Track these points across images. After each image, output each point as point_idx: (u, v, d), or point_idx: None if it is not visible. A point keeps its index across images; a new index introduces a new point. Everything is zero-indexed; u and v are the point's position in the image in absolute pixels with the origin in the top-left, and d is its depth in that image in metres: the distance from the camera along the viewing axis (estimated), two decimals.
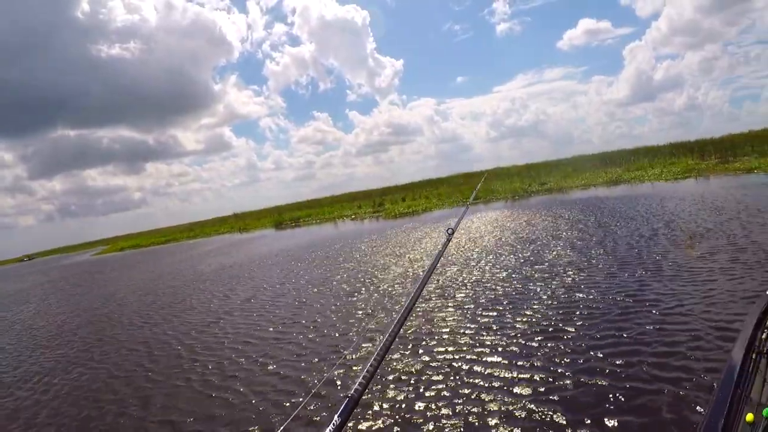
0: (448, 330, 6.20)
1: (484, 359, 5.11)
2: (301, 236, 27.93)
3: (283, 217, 46.83)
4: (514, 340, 5.50)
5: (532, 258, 9.76)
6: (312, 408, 4.58)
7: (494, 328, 6.01)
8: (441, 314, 6.94)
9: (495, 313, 6.57)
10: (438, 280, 8.97)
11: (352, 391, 0.86)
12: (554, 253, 9.91)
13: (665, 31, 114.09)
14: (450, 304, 7.34)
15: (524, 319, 6.14)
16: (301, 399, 4.90)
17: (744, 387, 1.89)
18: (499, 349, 5.33)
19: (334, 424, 0.77)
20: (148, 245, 55.72)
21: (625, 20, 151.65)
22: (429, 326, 6.50)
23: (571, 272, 8.12)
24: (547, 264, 9.01)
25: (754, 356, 2.10)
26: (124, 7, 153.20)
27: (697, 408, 3.54)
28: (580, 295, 6.76)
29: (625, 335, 5.12)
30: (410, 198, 38.24)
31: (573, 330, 5.51)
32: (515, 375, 4.63)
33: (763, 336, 2.26)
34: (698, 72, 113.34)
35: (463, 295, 7.77)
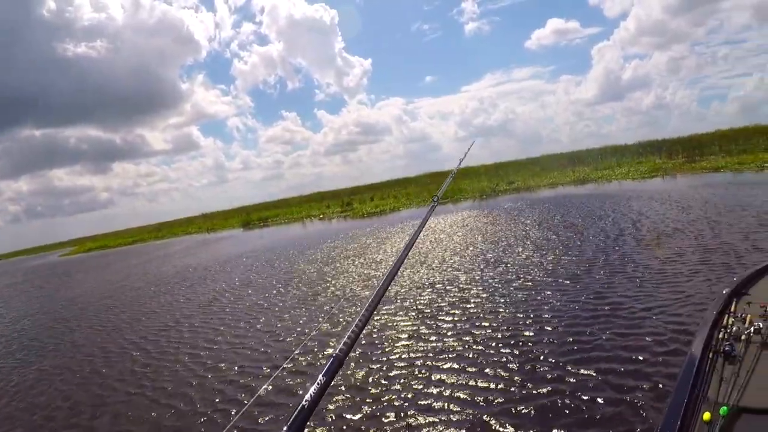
0: (405, 335, 6.38)
1: (440, 366, 5.21)
2: (268, 236, 27.87)
3: (251, 217, 46.36)
4: (473, 346, 5.57)
5: (494, 259, 10.05)
6: (256, 414, 4.71)
7: (452, 332, 6.15)
8: (399, 318, 7.14)
9: (454, 317, 6.79)
10: (398, 282, 9.17)
11: (337, 351, 0.83)
12: (518, 253, 10.23)
13: (633, 31, 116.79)
14: (410, 307, 7.55)
15: (484, 323, 6.27)
16: (243, 405, 5.02)
17: (701, 386, 1.94)
18: (455, 354, 5.42)
19: (318, 383, 0.75)
20: (116, 246, 54.31)
21: (593, 20, 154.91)
22: (387, 330, 6.69)
23: (535, 273, 8.37)
24: (510, 265, 9.29)
25: (711, 355, 2.15)
26: (90, 5, 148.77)
27: (658, 407, 3.58)
28: (543, 297, 6.96)
29: (585, 338, 5.24)
30: (378, 197, 38.45)
31: (533, 334, 5.61)
32: (471, 382, 4.66)
33: (720, 335, 2.32)
34: (666, 72, 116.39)
35: (424, 299, 7.98)
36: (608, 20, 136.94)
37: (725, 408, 1.73)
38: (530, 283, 7.76)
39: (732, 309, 2.62)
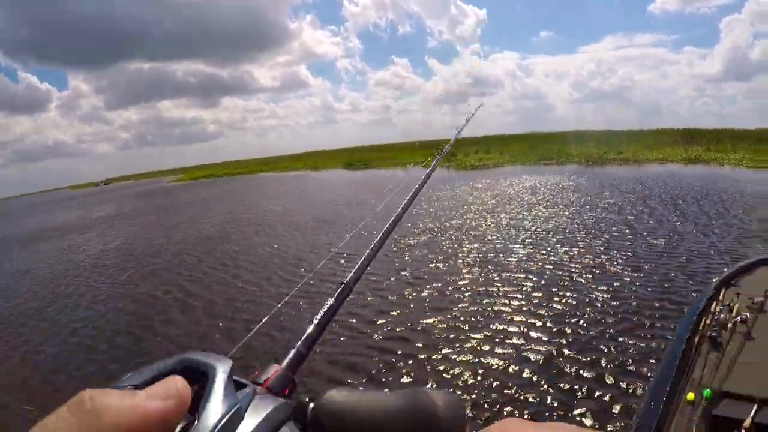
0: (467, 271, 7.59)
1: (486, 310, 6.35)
2: (359, 178, 29.56)
3: (353, 158, 48.53)
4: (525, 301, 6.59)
5: (579, 227, 10.70)
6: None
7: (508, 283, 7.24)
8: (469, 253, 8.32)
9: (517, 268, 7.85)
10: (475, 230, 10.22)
11: (347, 279, 0.78)
12: (603, 227, 10.77)
13: (766, 5, 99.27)
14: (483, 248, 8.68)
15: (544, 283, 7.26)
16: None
17: (687, 368, 2.05)
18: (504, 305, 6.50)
19: (328, 305, 0.68)
20: (221, 175, 59.75)
21: None
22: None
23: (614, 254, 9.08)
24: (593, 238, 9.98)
25: (697, 340, 2.27)
26: None
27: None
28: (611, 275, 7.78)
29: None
30: (484, 151, 38.55)
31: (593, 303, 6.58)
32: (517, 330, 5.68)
33: (708, 322, 2.43)
34: None
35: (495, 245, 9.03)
36: None
37: (708, 391, 1.82)
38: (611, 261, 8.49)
39: (720, 298, 2.74)
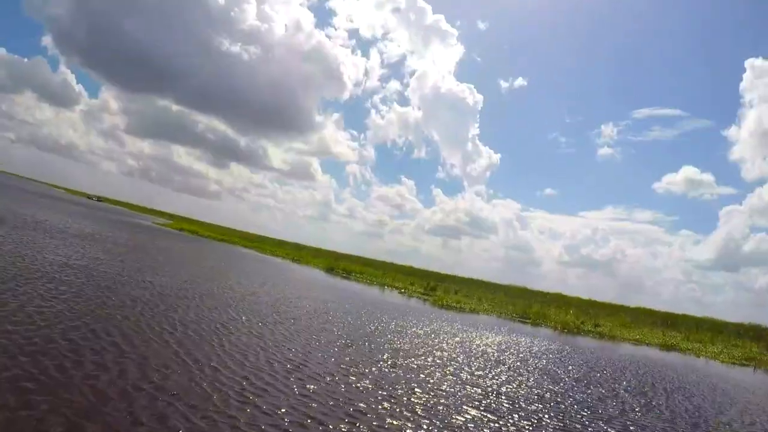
0: None
1: None
2: (343, 289, 29.01)
3: (337, 264, 48.52)
4: None
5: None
6: None
7: None
8: None
9: None
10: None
11: None
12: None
13: (767, 201, 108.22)
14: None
15: None
16: None
17: None
18: None
19: None
20: (206, 236, 60.05)
21: (729, 179, 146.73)
22: None
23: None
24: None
25: None
26: (256, 13, 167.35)
27: None
28: None
29: None
30: (463, 293, 38.49)
31: None
32: None
33: None
34: None
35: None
36: (744, 183, 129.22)
37: None
38: None
39: None
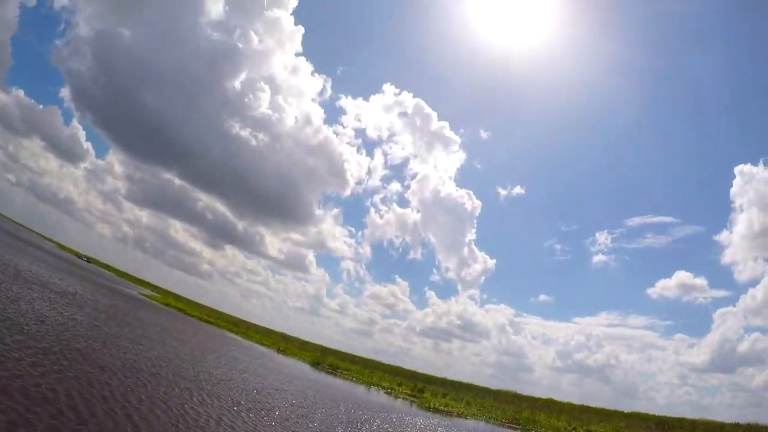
0: None
1: None
2: (326, 385, 27.70)
3: (324, 359, 46.80)
4: None
5: None
6: None
7: None
8: None
9: None
10: None
11: None
12: None
13: (760, 301, 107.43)
14: None
15: None
16: None
17: None
18: None
19: None
20: (193, 315, 58.03)
21: (722, 281, 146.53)
22: None
23: None
24: None
25: None
26: (269, 102, 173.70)
27: None
28: None
29: None
30: (452, 396, 36.80)
31: None
32: None
33: None
34: None
35: None
36: (737, 284, 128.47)
37: None
38: None
39: None
